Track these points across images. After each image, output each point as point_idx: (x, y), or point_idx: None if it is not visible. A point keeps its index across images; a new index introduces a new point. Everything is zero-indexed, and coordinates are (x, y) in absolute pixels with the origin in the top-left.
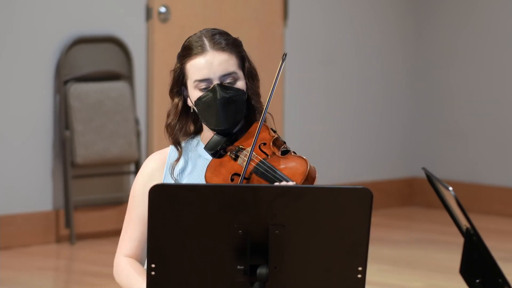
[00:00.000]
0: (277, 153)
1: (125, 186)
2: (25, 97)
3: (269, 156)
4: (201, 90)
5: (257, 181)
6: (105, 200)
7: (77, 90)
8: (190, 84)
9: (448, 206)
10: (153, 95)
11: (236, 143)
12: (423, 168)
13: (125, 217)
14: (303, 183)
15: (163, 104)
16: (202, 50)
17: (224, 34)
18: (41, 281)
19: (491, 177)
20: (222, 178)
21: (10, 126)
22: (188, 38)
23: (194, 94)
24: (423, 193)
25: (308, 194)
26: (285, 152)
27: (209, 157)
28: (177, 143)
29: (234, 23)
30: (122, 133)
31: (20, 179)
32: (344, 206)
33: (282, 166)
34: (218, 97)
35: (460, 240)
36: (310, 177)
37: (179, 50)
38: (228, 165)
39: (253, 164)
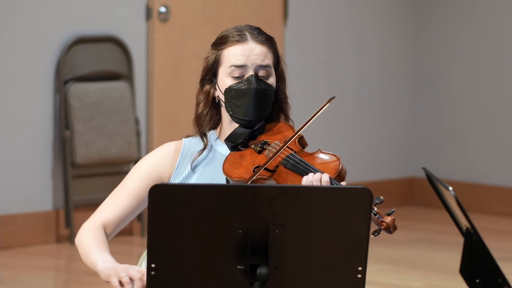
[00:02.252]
0: (303, 150)
1: None
2: (25, 97)
3: (296, 152)
4: (234, 78)
5: (285, 174)
6: None
7: (77, 90)
8: (223, 70)
9: (448, 206)
10: (153, 95)
11: (258, 139)
12: (423, 168)
13: (118, 186)
14: (335, 179)
15: (163, 104)
16: (242, 39)
17: (261, 30)
18: (41, 281)
19: (491, 177)
20: (243, 171)
21: (10, 126)
22: (224, 30)
23: (225, 81)
24: (423, 193)
25: (308, 194)
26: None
27: (225, 153)
28: (203, 134)
29: (234, 23)
30: (122, 133)
31: (20, 179)
32: (344, 206)
33: (312, 160)
34: (253, 87)
35: (460, 240)
36: (341, 174)
37: (179, 49)
38: (251, 158)
39: (281, 156)
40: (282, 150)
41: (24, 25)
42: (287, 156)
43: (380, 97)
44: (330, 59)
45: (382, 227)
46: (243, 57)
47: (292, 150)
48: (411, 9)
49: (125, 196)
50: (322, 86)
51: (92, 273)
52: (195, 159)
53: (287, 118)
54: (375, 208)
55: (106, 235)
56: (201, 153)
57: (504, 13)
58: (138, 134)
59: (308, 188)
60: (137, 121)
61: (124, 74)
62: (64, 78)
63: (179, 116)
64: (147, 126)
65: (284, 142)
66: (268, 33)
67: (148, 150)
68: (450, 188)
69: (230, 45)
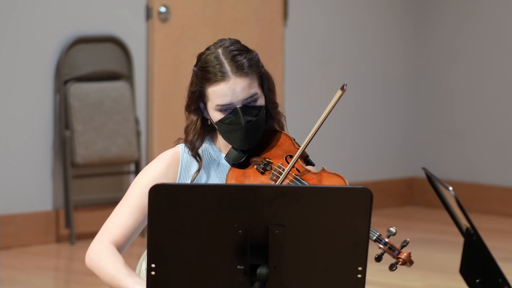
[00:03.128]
0: (306, 167)
1: (125, 186)
2: (25, 97)
3: (301, 172)
4: (222, 112)
5: None
6: (105, 200)
7: (77, 90)
8: (211, 105)
9: (448, 206)
10: (153, 95)
11: (262, 156)
12: (423, 168)
13: (121, 202)
14: None
15: (163, 104)
16: (224, 77)
17: (243, 52)
18: (41, 281)
19: (491, 177)
20: None
21: (10, 126)
22: (205, 56)
23: (215, 115)
24: (423, 193)
25: (308, 194)
26: (309, 162)
27: (225, 162)
28: (197, 155)
29: (234, 23)
30: (122, 133)
31: (20, 179)
32: (344, 206)
33: (318, 183)
34: (243, 123)
35: (460, 240)
36: None
37: (179, 49)
38: (254, 178)
39: (286, 181)
40: (287, 174)
41: (24, 25)
42: (293, 181)
43: (380, 97)
44: (330, 59)
45: (400, 263)
46: (227, 96)
47: (297, 169)
48: (411, 9)
49: (131, 214)
50: (322, 86)
51: (92, 273)
52: (194, 179)
53: (280, 125)
54: (387, 240)
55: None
56: (197, 175)
57: (504, 13)
58: (138, 134)
59: (308, 188)
60: (137, 121)
61: (124, 74)
62: (64, 78)
63: (179, 116)
64: (147, 126)
65: (288, 166)
66: (268, 33)
67: (148, 150)
68: (450, 188)
69: (213, 84)
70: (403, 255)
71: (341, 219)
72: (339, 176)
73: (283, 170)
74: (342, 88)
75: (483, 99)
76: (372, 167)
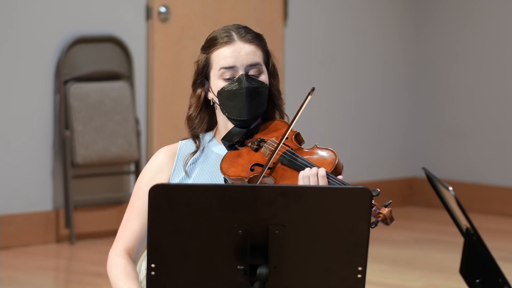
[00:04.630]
0: (300, 147)
1: (125, 186)
2: (25, 97)
3: (293, 149)
4: (225, 80)
5: (282, 170)
6: (105, 200)
7: (77, 90)
8: (214, 73)
9: (448, 206)
10: (153, 95)
11: (255, 137)
12: (423, 168)
13: (128, 207)
14: (332, 173)
15: (163, 104)
16: (230, 40)
17: (249, 28)
18: (41, 281)
19: (491, 177)
20: (240, 169)
21: (10, 126)
22: (212, 32)
23: (217, 84)
24: (423, 193)
25: (308, 194)
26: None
27: (222, 152)
28: (195, 136)
29: (234, 22)
30: (122, 133)
31: (20, 179)
32: (344, 206)
33: (309, 156)
34: (244, 86)
35: (460, 240)
36: (338, 168)
37: (179, 49)
38: (247, 156)
39: (278, 153)
40: (279, 146)
41: (24, 25)
42: (284, 153)
43: (380, 97)
44: (330, 59)
45: (379, 219)
46: (231, 58)
47: (289, 147)
48: (411, 9)
49: (138, 218)
50: (322, 86)
51: (92, 273)
52: (188, 161)
53: (281, 114)
54: (372, 200)
55: (133, 259)
56: (193, 155)
57: (504, 13)
58: (138, 134)
59: (308, 188)
60: (137, 121)
61: (124, 74)
62: (64, 78)
63: (179, 116)
64: (147, 126)
65: (280, 139)
66: (268, 33)
67: (148, 150)
68: (450, 188)
69: (219, 48)
70: (384, 211)
71: (341, 219)
72: (330, 150)
73: (276, 143)
74: (311, 93)
75: (483, 99)
76: (372, 167)
